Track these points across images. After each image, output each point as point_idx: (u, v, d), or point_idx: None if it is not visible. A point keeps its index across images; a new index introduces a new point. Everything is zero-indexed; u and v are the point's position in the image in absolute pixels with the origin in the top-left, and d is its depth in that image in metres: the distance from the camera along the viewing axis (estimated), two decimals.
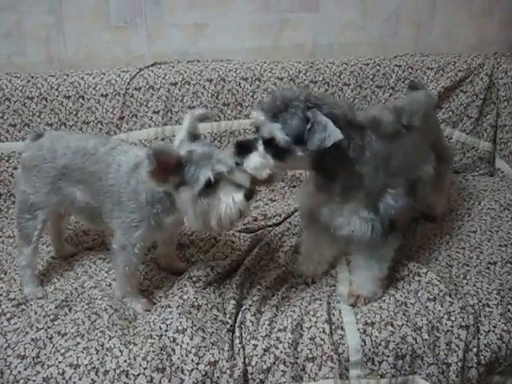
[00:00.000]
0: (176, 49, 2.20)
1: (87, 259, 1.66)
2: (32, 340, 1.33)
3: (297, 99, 1.25)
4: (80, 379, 1.24)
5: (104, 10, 2.09)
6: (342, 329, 1.37)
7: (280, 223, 1.86)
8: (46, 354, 1.30)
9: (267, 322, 1.38)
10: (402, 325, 1.37)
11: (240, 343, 1.33)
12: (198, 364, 1.28)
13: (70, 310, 1.44)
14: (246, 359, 1.31)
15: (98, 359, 1.27)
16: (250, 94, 2.09)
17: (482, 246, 1.70)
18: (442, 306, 1.41)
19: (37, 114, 1.98)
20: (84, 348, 1.30)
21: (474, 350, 1.35)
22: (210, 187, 1.21)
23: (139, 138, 2.05)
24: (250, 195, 1.23)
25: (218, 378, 1.28)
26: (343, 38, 2.29)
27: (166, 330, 1.34)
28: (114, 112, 2.02)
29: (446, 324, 1.38)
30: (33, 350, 1.30)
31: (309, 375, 1.32)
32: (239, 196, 1.21)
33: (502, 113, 2.19)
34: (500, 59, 2.21)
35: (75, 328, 1.36)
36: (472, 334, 1.36)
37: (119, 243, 1.40)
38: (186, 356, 1.29)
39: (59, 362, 1.27)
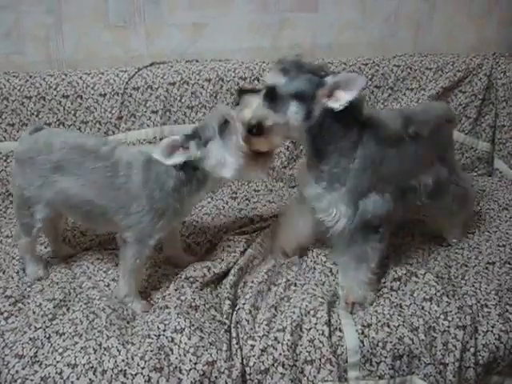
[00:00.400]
0: (175, 48, 2.19)
1: (85, 260, 1.65)
2: (30, 339, 1.33)
3: (313, 64, 1.32)
4: (78, 379, 1.24)
5: (103, 10, 2.09)
6: (341, 330, 1.36)
7: None
8: (43, 354, 1.29)
9: (265, 322, 1.37)
10: (399, 325, 1.37)
11: (237, 343, 1.33)
12: (196, 364, 1.28)
13: (68, 309, 1.44)
14: (244, 360, 1.31)
15: (96, 359, 1.27)
16: None
17: (480, 246, 1.70)
18: (438, 306, 1.41)
19: (35, 113, 1.98)
20: (82, 347, 1.30)
21: (472, 350, 1.35)
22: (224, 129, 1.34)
23: (138, 137, 2.04)
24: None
25: (216, 377, 1.27)
26: (342, 38, 2.28)
27: (164, 330, 1.34)
28: (113, 112, 2.02)
29: (442, 324, 1.37)
30: (30, 350, 1.30)
31: (307, 378, 1.32)
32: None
33: (500, 113, 2.18)
34: (499, 60, 2.21)
35: (73, 328, 1.36)
36: (469, 334, 1.36)
37: (134, 237, 1.42)
38: (184, 356, 1.29)
39: (57, 362, 1.27)
